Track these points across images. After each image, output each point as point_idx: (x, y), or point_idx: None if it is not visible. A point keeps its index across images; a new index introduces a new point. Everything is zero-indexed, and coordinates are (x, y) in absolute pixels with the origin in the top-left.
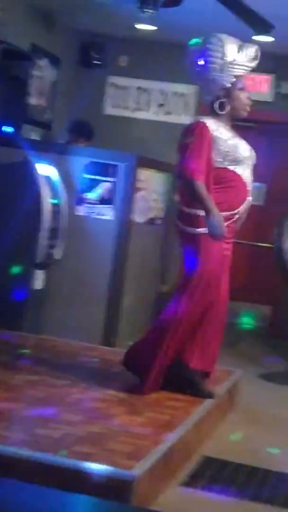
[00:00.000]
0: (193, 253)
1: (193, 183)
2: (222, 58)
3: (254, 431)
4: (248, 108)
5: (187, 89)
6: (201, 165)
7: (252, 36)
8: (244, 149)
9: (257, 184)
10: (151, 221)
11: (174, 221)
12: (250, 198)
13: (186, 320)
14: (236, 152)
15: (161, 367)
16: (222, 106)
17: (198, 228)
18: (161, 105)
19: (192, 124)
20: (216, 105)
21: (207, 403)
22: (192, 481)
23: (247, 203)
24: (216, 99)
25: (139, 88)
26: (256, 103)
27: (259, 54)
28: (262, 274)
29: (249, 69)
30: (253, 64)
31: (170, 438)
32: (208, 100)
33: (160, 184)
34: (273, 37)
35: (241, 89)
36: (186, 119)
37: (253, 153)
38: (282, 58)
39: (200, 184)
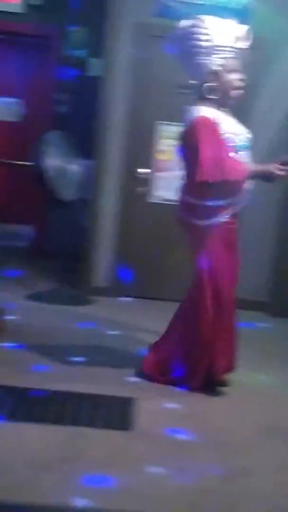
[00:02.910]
0: (206, 243)
1: (232, 181)
2: (210, 41)
3: (23, 352)
4: (240, 91)
5: None
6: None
7: None
8: (242, 134)
9: (12, 99)
10: None
11: (177, 213)
12: (249, 182)
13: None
14: (235, 139)
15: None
16: (211, 91)
17: (206, 219)
18: None
19: (195, 121)
20: (205, 90)
21: None
22: None
23: (247, 189)
24: (203, 83)
25: None
26: (6, 14)
27: (250, 33)
28: (22, 193)
29: (239, 50)
30: (244, 45)
31: None
32: (195, 85)
33: None
34: None
35: (232, 71)
36: None
37: (249, 135)
38: None
39: (236, 177)
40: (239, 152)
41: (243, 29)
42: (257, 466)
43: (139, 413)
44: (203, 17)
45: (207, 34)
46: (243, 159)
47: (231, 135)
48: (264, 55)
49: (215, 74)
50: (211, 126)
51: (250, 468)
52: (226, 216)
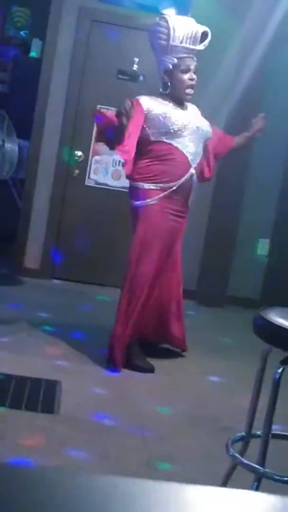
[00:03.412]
0: (136, 223)
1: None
2: (167, 41)
3: None
4: (189, 90)
5: None
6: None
7: None
8: (180, 120)
9: None
10: None
11: None
12: (192, 171)
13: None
14: (168, 124)
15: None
16: (164, 87)
17: (138, 200)
18: None
19: None
20: (161, 86)
21: None
22: None
23: (189, 175)
24: (162, 79)
25: None
26: None
27: (208, 35)
28: None
29: (194, 51)
30: (200, 46)
31: None
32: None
33: None
34: None
35: (184, 71)
36: None
37: (203, 125)
38: None
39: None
40: (177, 137)
41: (200, 30)
42: (181, 454)
43: (65, 396)
44: (168, 16)
45: (165, 34)
46: (186, 144)
47: (162, 121)
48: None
49: (169, 72)
50: (136, 108)
51: (173, 455)
52: (153, 199)
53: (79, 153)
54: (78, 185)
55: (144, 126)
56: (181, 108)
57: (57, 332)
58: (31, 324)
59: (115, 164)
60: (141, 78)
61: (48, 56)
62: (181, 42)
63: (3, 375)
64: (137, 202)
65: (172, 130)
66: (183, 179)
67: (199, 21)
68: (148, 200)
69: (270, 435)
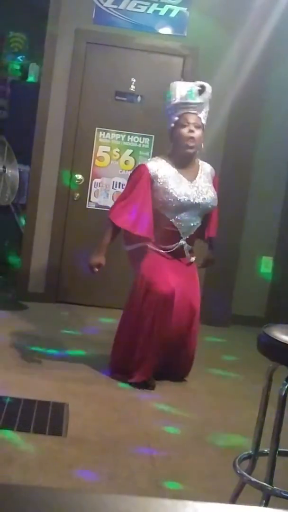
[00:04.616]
0: (135, 262)
1: (107, 222)
2: (169, 105)
3: None
4: (189, 143)
5: None
6: (120, 208)
7: None
8: (182, 196)
9: None
10: None
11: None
12: (182, 242)
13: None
14: (166, 202)
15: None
16: (171, 147)
17: (127, 244)
18: None
19: (134, 168)
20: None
21: None
22: None
23: (179, 245)
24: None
25: None
26: None
27: (205, 88)
28: None
29: (193, 105)
30: (198, 99)
31: None
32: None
33: None
34: None
35: (183, 125)
36: None
37: (206, 198)
38: None
39: (111, 225)
40: (173, 211)
41: (198, 84)
42: (189, 473)
43: (72, 418)
44: (173, 84)
45: (169, 100)
46: (181, 217)
47: (162, 194)
48: (198, 65)
49: (172, 130)
50: (144, 175)
51: (182, 475)
52: (143, 244)
53: (79, 176)
54: (79, 209)
55: (151, 192)
56: (188, 178)
57: (63, 354)
58: (36, 348)
59: (116, 186)
60: (138, 98)
61: (46, 80)
62: (180, 99)
63: (11, 399)
64: (127, 246)
65: (171, 207)
66: (171, 247)
67: (195, 39)
68: (139, 243)
69: (277, 452)
